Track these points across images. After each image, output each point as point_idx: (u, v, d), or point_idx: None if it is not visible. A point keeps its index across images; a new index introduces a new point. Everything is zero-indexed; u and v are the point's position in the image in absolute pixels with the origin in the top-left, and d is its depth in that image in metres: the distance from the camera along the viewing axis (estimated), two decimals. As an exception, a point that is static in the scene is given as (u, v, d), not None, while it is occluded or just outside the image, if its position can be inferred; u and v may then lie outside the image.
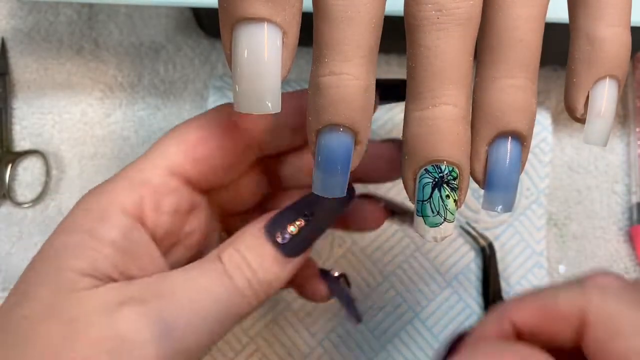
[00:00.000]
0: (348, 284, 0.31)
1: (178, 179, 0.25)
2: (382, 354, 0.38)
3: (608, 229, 0.41)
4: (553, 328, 0.23)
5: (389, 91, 0.26)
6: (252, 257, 0.24)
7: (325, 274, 0.30)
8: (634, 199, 0.41)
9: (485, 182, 0.22)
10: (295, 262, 0.25)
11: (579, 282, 0.24)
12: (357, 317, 0.30)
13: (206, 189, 0.27)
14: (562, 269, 0.41)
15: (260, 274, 0.24)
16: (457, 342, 0.27)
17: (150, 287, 0.23)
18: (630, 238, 0.41)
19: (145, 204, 0.24)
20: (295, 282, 0.30)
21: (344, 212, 0.27)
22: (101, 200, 0.24)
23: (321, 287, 0.30)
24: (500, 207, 0.22)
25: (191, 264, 0.24)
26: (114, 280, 0.23)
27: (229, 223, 0.30)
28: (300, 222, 0.25)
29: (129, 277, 0.23)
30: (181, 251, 0.27)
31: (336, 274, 0.30)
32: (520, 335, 0.24)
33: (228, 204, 0.29)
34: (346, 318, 0.30)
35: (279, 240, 0.24)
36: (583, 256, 0.41)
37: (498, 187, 0.22)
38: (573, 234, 0.41)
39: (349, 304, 0.30)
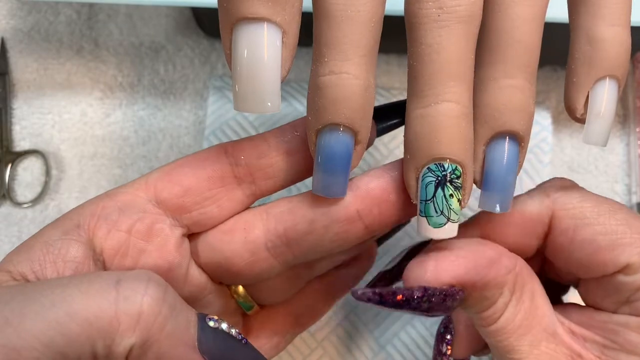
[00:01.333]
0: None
1: (146, 197, 0.24)
2: (382, 354, 0.38)
3: (608, 229, 0.41)
4: (518, 234, 0.24)
5: (389, 113, 0.25)
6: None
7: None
8: (634, 199, 0.41)
9: (482, 182, 0.22)
10: None
11: (540, 188, 0.24)
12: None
13: (179, 212, 0.24)
14: (562, 269, 0.41)
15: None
16: (416, 250, 0.26)
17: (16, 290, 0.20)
18: (630, 238, 0.41)
19: (101, 216, 0.23)
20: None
21: None
22: (77, 208, 0.24)
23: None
24: (497, 207, 0.22)
25: (88, 276, 0.21)
26: (27, 280, 0.21)
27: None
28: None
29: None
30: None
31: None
32: None
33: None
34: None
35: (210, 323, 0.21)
36: (583, 256, 0.41)
37: (495, 187, 0.22)
38: (573, 234, 0.41)
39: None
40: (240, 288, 0.27)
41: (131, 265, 0.23)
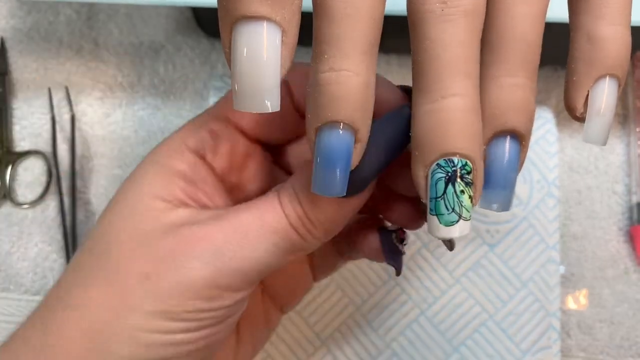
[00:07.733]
0: (401, 239, 0.29)
1: (232, 126, 0.27)
2: (387, 352, 0.38)
3: (608, 229, 0.41)
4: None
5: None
6: (304, 195, 0.24)
7: (382, 228, 0.29)
8: (634, 199, 0.41)
9: (483, 180, 0.22)
10: (351, 203, 0.24)
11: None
12: (397, 269, 0.29)
13: (257, 139, 0.28)
14: (562, 269, 0.41)
15: (311, 213, 0.24)
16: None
17: (214, 214, 0.24)
18: (630, 238, 0.41)
19: (206, 143, 0.26)
20: (351, 236, 0.29)
21: (404, 146, 0.23)
22: (170, 139, 0.26)
23: (373, 240, 0.29)
24: (497, 205, 0.21)
25: (256, 198, 0.25)
26: (187, 205, 0.25)
27: None
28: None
29: (203, 206, 0.26)
30: (244, 194, 0.28)
31: (392, 228, 0.29)
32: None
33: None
34: (387, 262, 0.29)
35: None
36: (583, 256, 0.41)
37: (496, 185, 0.21)
38: (573, 234, 0.41)
39: (392, 254, 0.28)
40: None
41: (238, 183, 0.27)
